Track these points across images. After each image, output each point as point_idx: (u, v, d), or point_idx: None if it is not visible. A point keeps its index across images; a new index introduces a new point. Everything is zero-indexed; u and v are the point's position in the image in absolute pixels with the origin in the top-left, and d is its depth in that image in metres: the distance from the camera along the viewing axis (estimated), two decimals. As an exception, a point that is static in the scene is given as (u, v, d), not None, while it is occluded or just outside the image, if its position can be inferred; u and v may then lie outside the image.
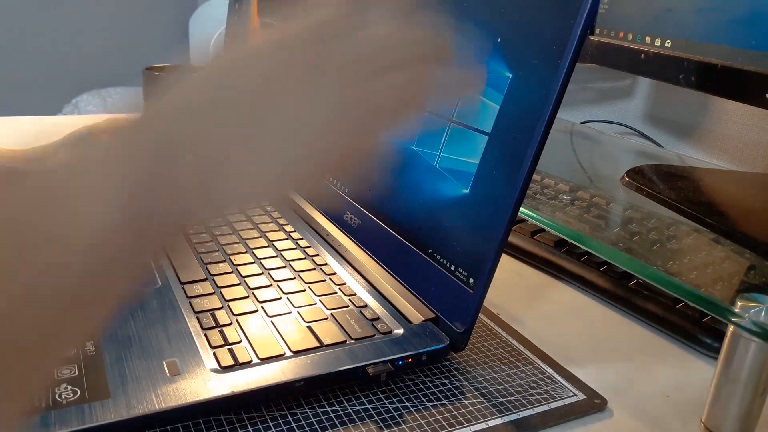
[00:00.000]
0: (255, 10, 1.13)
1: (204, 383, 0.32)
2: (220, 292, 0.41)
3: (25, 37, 2.39)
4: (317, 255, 0.47)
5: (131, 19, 2.55)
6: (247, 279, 0.43)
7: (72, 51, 2.47)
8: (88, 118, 0.94)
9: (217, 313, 0.38)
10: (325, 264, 0.46)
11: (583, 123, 0.84)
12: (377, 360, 0.35)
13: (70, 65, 2.47)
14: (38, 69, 2.42)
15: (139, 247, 0.22)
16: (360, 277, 0.44)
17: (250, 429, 0.32)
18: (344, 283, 0.43)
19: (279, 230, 0.51)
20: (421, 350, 0.36)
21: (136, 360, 0.33)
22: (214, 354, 0.34)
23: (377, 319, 0.39)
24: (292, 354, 0.35)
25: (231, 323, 0.37)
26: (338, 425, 0.32)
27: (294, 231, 0.51)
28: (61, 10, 2.42)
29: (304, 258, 0.46)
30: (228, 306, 0.39)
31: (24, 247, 0.21)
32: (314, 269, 0.45)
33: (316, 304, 0.40)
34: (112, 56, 2.53)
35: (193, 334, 0.36)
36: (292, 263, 0.45)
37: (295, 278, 0.43)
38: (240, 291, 0.41)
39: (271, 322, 0.38)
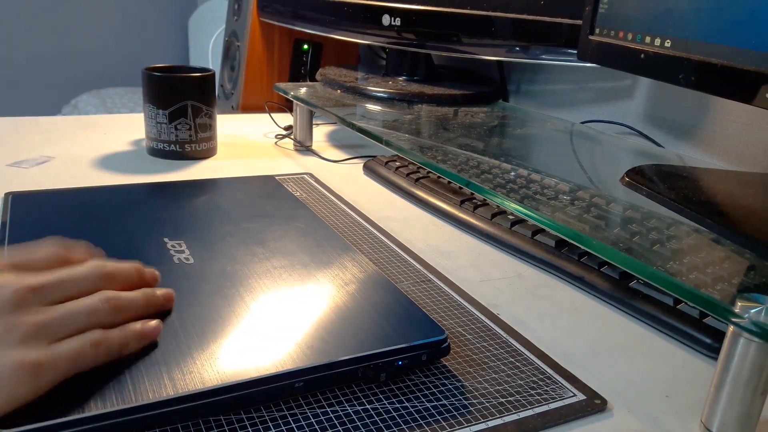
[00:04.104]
0: (255, 10, 1.13)
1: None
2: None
3: (25, 37, 2.39)
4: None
5: (131, 19, 2.55)
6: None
7: (72, 51, 2.47)
8: (88, 118, 0.94)
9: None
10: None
11: (583, 123, 0.84)
12: (378, 360, 0.35)
13: (70, 65, 2.47)
14: (38, 69, 2.42)
15: None
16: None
17: (249, 429, 0.32)
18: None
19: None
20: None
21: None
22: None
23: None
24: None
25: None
26: (338, 425, 0.32)
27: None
28: (61, 10, 2.42)
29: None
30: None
31: None
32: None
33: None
34: (112, 56, 2.53)
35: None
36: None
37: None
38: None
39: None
